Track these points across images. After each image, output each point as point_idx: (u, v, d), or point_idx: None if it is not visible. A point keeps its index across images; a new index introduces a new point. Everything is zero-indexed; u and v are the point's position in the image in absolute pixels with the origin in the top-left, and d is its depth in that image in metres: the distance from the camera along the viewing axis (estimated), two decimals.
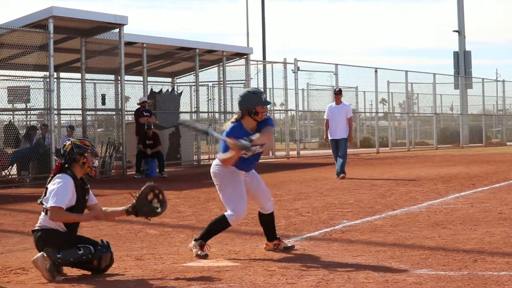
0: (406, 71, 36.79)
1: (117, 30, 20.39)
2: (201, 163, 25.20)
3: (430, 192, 13.72)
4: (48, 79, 18.77)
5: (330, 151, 18.28)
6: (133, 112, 21.76)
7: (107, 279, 6.55)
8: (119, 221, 9.59)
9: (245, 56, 27.42)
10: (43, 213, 6.75)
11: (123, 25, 20.32)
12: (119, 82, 21.59)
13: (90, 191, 6.94)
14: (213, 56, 26.92)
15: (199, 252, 7.45)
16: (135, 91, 25.30)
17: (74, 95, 22.04)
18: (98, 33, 20.55)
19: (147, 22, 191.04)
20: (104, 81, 24.38)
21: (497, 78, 56.82)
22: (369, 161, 25.95)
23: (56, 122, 20.90)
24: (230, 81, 27.47)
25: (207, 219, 10.54)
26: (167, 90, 25.34)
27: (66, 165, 6.81)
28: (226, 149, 7.43)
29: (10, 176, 18.88)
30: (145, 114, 20.47)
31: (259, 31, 50.71)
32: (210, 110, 28.10)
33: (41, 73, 20.95)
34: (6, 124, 20.03)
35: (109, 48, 21.22)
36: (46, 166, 18.13)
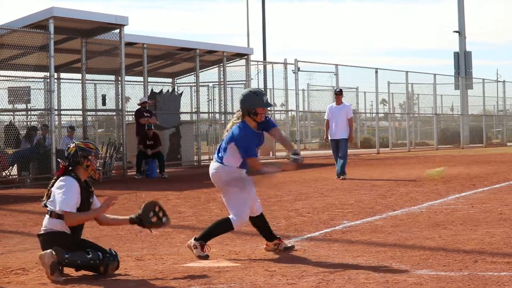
0: (407, 72, 36.79)
1: (118, 30, 20.41)
2: (202, 163, 25.19)
3: (431, 193, 13.73)
4: (48, 80, 18.77)
5: (330, 152, 18.27)
6: (133, 113, 21.76)
7: (108, 280, 6.55)
8: None
9: (246, 57, 27.42)
10: (47, 216, 6.74)
11: (124, 25, 20.33)
12: (119, 82, 21.60)
13: (94, 195, 6.96)
14: (214, 57, 26.93)
15: (199, 253, 7.46)
16: (135, 92, 25.32)
17: (74, 95, 22.08)
18: (99, 33, 20.56)
19: (148, 23, 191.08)
20: (104, 82, 24.38)
21: (497, 78, 56.84)
22: (369, 162, 25.95)
23: (56, 122, 20.93)
24: (231, 81, 27.48)
25: (207, 219, 10.55)
26: (168, 90, 25.34)
27: (70, 168, 6.83)
28: (226, 143, 7.47)
29: (10, 177, 18.89)
30: (145, 114, 20.47)
31: (259, 31, 50.67)
32: (210, 111, 28.10)
33: (41, 74, 20.94)
34: (7, 125, 20.03)
35: (109, 49, 21.22)
36: (46, 166, 18.15)
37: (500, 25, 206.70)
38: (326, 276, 6.48)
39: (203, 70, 26.99)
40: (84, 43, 20.79)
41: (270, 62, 32.38)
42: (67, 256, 6.50)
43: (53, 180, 6.85)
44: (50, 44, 18.13)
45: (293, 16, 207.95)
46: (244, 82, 27.26)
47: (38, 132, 20.14)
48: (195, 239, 7.55)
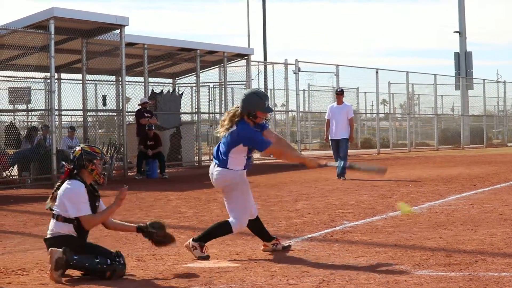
0: (407, 72, 36.78)
1: (118, 31, 20.40)
2: (202, 164, 25.19)
3: (431, 193, 13.72)
4: (49, 80, 18.77)
5: (331, 152, 18.23)
6: (134, 113, 21.76)
7: (108, 280, 6.54)
8: None
9: (246, 57, 27.42)
10: (53, 220, 6.73)
11: (124, 26, 20.33)
12: (120, 83, 21.59)
13: (100, 199, 6.95)
14: (214, 57, 26.93)
15: (200, 254, 7.46)
16: (136, 92, 25.31)
17: (75, 96, 22.06)
18: (99, 34, 20.56)
19: (148, 23, 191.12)
20: (105, 82, 24.39)
21: (498, 79, 56.81)
22: (370, 162, 25.94)
23: (57, 123, 20.92)
24: (231, 82, 27.47)
25: (208, 220, 10.55)
26: (168, 91, 25.35)
27: (75, 171, 6.83)
28: (229, 146, 7.42)
29: (11, 177, 18.90)
30: (146, 115, 20.47)
31: (260, 32, 50.72)
32: (211, 111, 28.11)
33: (42, 74, 20.95)
34: (7, 125, 20.03)
35: (110, 49, 21.23)
36: (47, 167, 18.15)
37: (500, 26, 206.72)
38: (326, 277, 6.48)
39: (203, 70, 26.98)
40: (84, 43, 20.79)
41: (271, 63, 32.39)
42: (75, 258, 6.50)
43: (58, 183, 6.85)
44: (50, 45, 18.14)
45: (294, 17, 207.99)
46: (244, 82, 27.26)
47: (39, 132, 20.14)
48: (193, 240, 7.55)
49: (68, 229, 6.67)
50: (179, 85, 28.26)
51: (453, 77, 43.23)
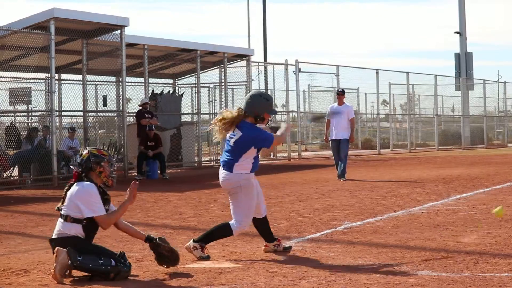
0: (408, 73, 36.78)
1: (118, 31, 20.40)
2: (203, 164, 25.20)
3: (432, 194, 13.72)
4: (49, 81, 18.77)
5: (331, 153, 18.19)
6: (134, 114, 21.76)
7: (109, 281, 6.54)
8: None
9: (246, 58, 27.41)
10: (61, 220, 6.73)
11: (125, 26, 20.33)
12: (120, 83, 21.59)
13: (110, 202, 6.95)
14: (214, 58, 26.92)
15: (200, 254, 7.47)
16: (136, 93, 25.31)
17: (75, 96, 22.07)
18: (100, 34, 20.56)
19: (149, 24, 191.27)
20: (105, 83, 24.39)
21: (498, 79, 56.85)
22: (370, 163, 25.95)
23: (57, 123, 20.92)
24: (231, 82, 27.47)
25: (208, 220, 10.55)
26: (168, 91, 25.35)
27: (83, 174, 6.83)
28: (240, 153, 7.46)
29: (11, 178, 18.90)
30: (146, 115, 20.47)
31: (260, 32, 50.71)
32: (211, 112, 28.10)
33: (42, 75, 20.96)
34: (8, 126, 20.02)
35: (110, 50, 21.23)
36: (47, 167, 18.15)
37: (501, 26, 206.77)
38: (327, 277, 6.48)
39: (204, 71, 26.98)
40: (85, 44, 20.79)
41: (271, 63, 32.39)
42: (79, 259, 6.49)
43: (67, 186, 6.85)
44: (51, 45, 18.14)
45: (294, 17, 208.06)
46: (245, 83, 27.26)
47: (39, 133, 20.14)
48: (193, 241, 7.56)
49: (76, 230, 6.66)
50: (179, 85, 28.25)
51: (453, 78, 43.23)
